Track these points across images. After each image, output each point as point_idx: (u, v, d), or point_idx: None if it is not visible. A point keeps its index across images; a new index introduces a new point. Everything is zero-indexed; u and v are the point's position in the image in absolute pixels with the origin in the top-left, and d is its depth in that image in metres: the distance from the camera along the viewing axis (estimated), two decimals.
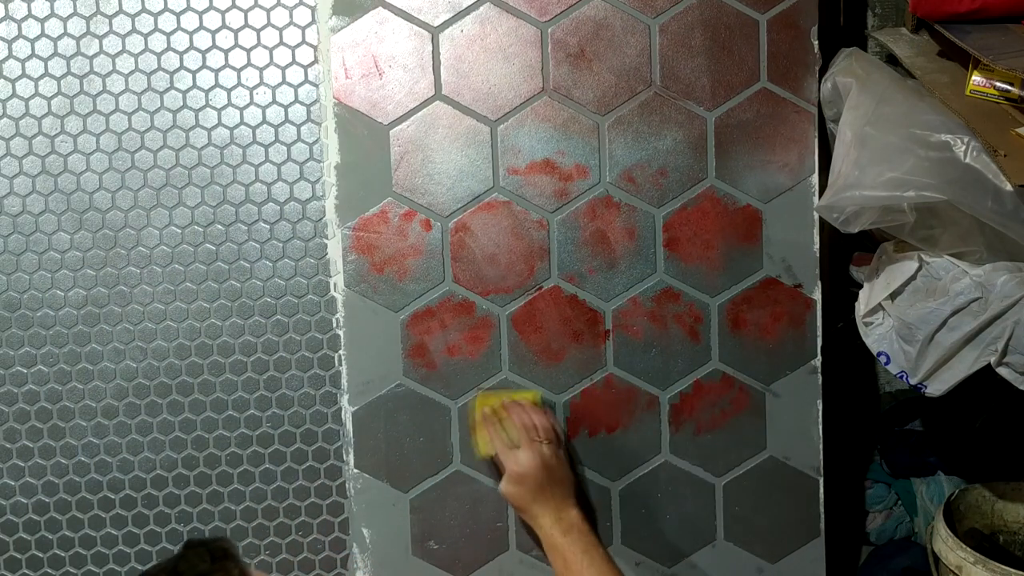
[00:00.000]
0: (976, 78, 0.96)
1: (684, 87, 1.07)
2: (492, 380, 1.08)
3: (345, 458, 1.09)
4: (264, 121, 1.08)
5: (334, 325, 1.09)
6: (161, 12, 1.06)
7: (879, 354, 1.03)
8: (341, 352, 1.08)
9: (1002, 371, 0.95)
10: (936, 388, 0.99)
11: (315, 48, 1.07)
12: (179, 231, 1.09)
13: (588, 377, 1.09)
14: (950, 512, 1.18)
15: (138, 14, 1.06)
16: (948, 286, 0.96)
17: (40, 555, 1.12)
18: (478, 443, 1.04)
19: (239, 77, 1.07)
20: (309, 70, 1.07)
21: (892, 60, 1.13)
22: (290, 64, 1.07)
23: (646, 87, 1.07)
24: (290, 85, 1.07)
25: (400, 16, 1.05)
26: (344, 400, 1.08)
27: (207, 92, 1.07)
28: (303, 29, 1.07)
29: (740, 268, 1.09)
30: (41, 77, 1.07)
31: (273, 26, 1.07)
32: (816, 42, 1.07)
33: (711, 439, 1.11)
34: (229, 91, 1.07)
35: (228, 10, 1.06)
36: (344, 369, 1.08)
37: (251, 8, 1.06)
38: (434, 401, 1.08)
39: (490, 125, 1.06)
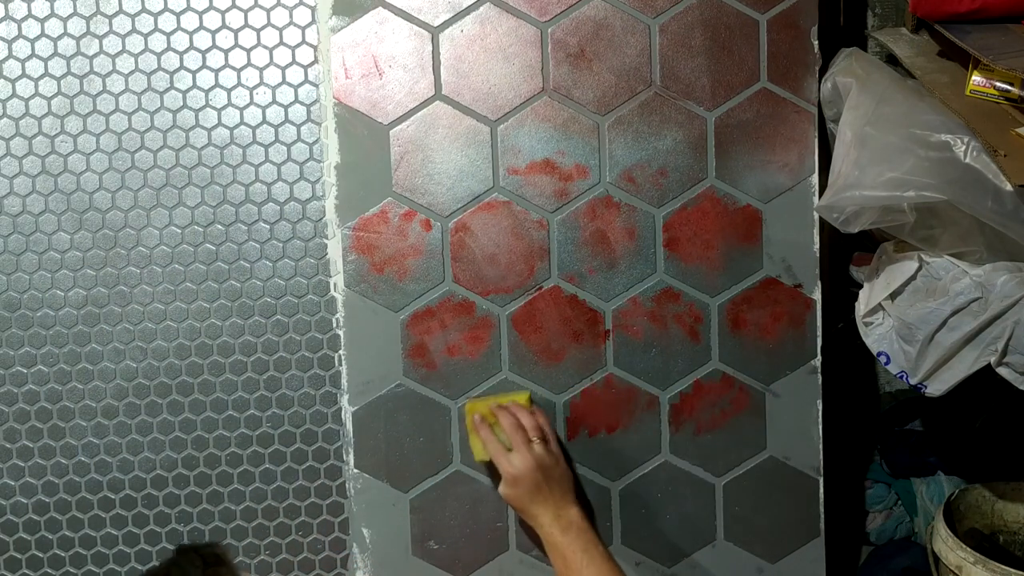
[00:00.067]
0: (976, 78, 0.96)
1: (684, 87, 1.07)
2: (492, 380, 1.08)
3: (345, 458, 1.09)
4: (264, 121, 1.08)
5: (334, 325, 1.09)
6: (161, 12, 1.06)
7: (879, 354, 1.03)
8: (341, 352, 1.08)
9: (1002, 371, 0.95)
10: (936, 388, 0.99)
11: (315, 48, 1.07)
12: (179, 231, 1.09)
13: (588, 377, 1.09)
14: (950, 512, 1.18)
15: (138, 14, 1.06)
16: (948, 286, 0.96)
17: (40, 555, 1.12)
18: (473, 450, 1.04)
19: (239, 77, 1.07)
20: (309, 70, 1.07)
21: (892, 60, 1.13)
22: (290, 64, 1.07)
23: (646, 87, 1.07)
24: (290, 85, 1.07)
25: (400, 16, 1.05)
26: (344, 400, 1.08)
27: (207, 92, 1.07)
28: (303, 29, 1.07)
29: (740, 268, 1.09)
30: (41, 77, 1.07)
31: (273, 26, 1.07)
32: (816, 42, 1.07)
33: (711, 439, 1.11)
34: (229, 91, 1.07)
35: (228, 10, 1.07)
36: (344, 369, 1.08)
37: (251, 8, 1.06)
38: (434, 401, 1.08)
39: (490, 125, 1.06)
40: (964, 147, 0.90)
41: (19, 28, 1.06)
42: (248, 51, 1.07)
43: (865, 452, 1.35)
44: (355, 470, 1.09)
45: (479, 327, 1.08)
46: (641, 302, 1.09)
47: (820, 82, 1.07)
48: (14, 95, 1.07)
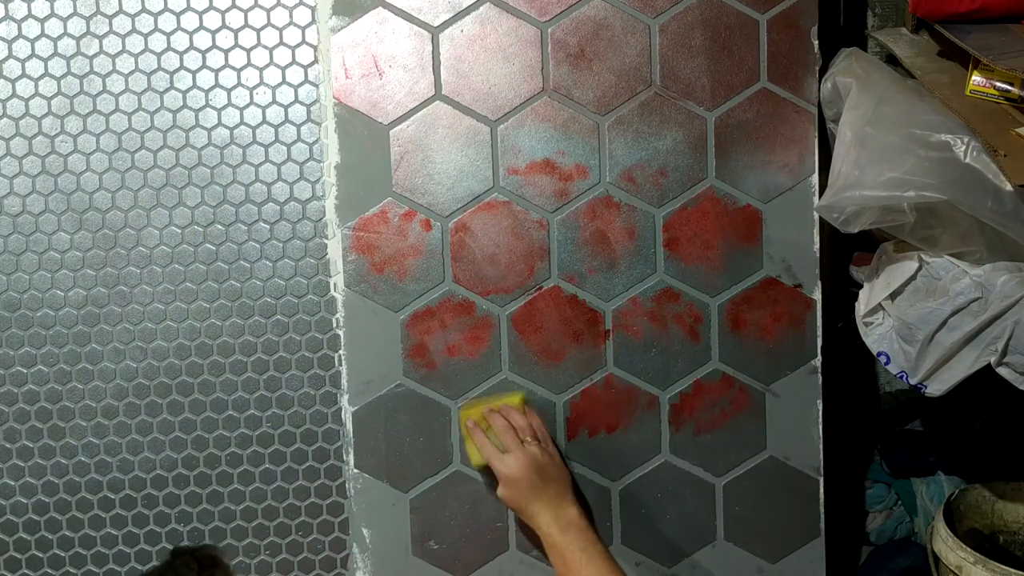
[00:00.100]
0: (976, 78, 0.96)
1: (684, 87, 1.07)
2: (492, 380, 1.08)
3: (345, 458, 1.09)
4: (264, 121, 1.08)
5: (334, 325, 1.09)
6: (161, 12, 1.06)
7: (879, 354, 1.03)
8: (341, 352, 1.08)
9: (1002, 371, 0.95)
10: (936, 388, 0.99)
11: (315, 48, 1.07)
12: (179, 231, 1.09)
13: (588, 377, 1.09)
14: (950, 512, 1.18)
15: (138, 14, 1.06)
16: (948, 286, 0.96)
17: (40, 555, 1.12)
18: (469, 455, 1.04)
19: (239, 77, 1.07)
20: (309, 70, 1.07)
21: (892, 60, 1.13)
22: (290, 64, 1.07)
23: (646, 87, 1.07)
24: (290, 85, 1.07)
25: (400, 16, 1.05)
26: (344, 400, 1.08)
27: (207, 92, 1.07)
28: (303, 29, 1.07)
29: (740, 268, 1.09)
30: (41, 77, 1.07)
31: (273, 26, 1.07)
32: (816, 42, 1.07)
33: (711, 439, 1.11)
34: (229, 91, 1.07)
35: (228, 10, 1.07)
36: (344, 369, 1.08)
37: (251, 8, 1.07)
38: (434, 401, 1.08)
39: (490, 125, 1.06)
40: (964, 147, 0.90)
41: (19, 28, 1.06)
42: (248, 51, 1.07)
43: (865, 452, 1.35)
44: (355, 470, 1.09)
45: (479, 327, 1.08)
46: (641, 302, 1.09)
47: (820, 82, 1.07)
48: (14, 95, 1.07)
